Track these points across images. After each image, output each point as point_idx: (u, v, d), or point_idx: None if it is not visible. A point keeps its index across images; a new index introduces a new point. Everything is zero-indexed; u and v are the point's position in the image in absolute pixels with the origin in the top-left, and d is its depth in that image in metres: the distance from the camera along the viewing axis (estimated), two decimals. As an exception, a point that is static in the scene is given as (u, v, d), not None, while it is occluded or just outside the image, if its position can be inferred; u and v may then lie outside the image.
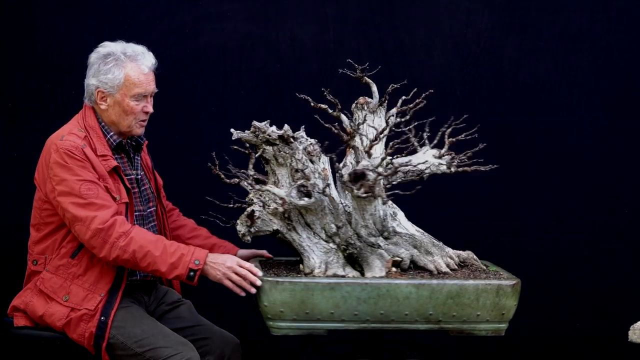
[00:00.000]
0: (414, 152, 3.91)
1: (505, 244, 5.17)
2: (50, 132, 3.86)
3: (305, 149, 3.69)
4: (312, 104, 3.69)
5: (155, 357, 3.69)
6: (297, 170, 3.67)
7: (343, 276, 3.66)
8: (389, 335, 3.83)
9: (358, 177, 3.62)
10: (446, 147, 3.86)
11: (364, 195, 3.59)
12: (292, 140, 3.68)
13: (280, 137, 3.67)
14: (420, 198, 5.00)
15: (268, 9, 5.10)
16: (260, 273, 3.64)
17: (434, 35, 5.12)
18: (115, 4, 5.06)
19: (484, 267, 3.84)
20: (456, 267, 3.79)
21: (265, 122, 3.69)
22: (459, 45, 5.12)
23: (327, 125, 3.62)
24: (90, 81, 3.85)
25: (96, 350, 3.74)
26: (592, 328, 5.18)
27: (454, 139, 3.84)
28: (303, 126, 3.75)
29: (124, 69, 3.80)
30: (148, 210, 3.93)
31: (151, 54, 3.89)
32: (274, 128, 3.68)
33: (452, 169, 3.83)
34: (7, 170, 5.06)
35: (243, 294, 3.68)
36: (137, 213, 3.87)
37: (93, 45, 3.96)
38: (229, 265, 3.69)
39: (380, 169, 3.65)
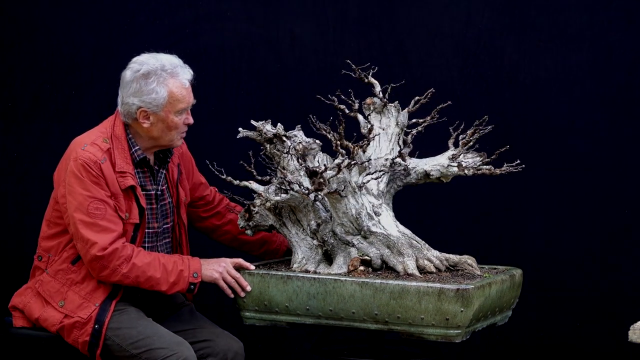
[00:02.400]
0: (444, 151, 3.91)
1: (505, 244, 5.16)
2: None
3: (294, 147, 3.73)
4: (334, 105, 3.74)
5: (152, 359, 3.69)
6: (283, 168, 3.72)
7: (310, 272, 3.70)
8: (389, 335, 3.83)
9: (312, 174, 3.64)
10: (460, 148, 3.86)
11: (307, 192, 3.61)
12: (284, 138, 3.71)
13: (275, 135, 3.72)
14: (420, 198, 5.02)
15: (268, 9, 5.10)
16: (247, 286, 3.75)
17: (434, 35, 5.11)
18: (115, 4, 5.06)
19: (477, 273, 3.76)
20: (434, 269, 3.73)
21: (263, 121, 3.74)
22: (459, 45, 5.12)
23: (318, 125, 3.64)
24: (131, 100, 3.76)
25: (91, 355, 3.74)
26: (592, 328, 5.17)
27: (466, 140, 3.84)
28: (299, 125, 3.77)
29: (166, 87, 3.75)
30: (164, 227, 3.92)
31: (185, 64, 3.85)
32: (269, 127, 3.72)
33: (467, 172, 3.83)
34: (7, 170, 5.06)
35: (232, 295, 3.75)
36: (149, 231, 3.86)
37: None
38: (224, 265, 3.76)
39: (331, 170, 3.64)
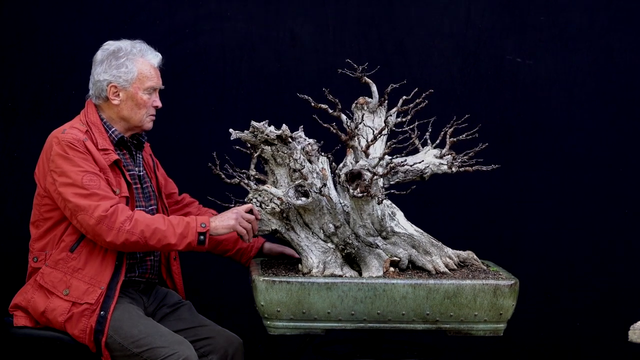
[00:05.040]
0: (415, 152, 3.92)
1: (505, 244, 5.17)
2: (50, 132, 3.87)
3: (303, 148, 3.69)
4: (312, 104, 3.69)
5: (153, 358, 3.70)
6: (295, 170, 3.68)
7: (340, 276, 3.66)
8: (389, 335, 3.83)
9: (354, 176, 3.63)
10: (447, 147, 3.87)
11: (360, 195, 3.59)
12: (290, 140, 3.68)
13: (279, 137, 3.67)
14: (420, 198, 5.02)
15: (268, 9, 5.10)
16: (258, 216, 3.74)
17: (434, 35, 5.12)
18: (115, 4, 5.06)
19: (484, 267, 3.83)
20: (455, 267, 3.79)
21: (264, 122, 3.70)
22: (459, 45, 5.12)
23: (325, 125, 3.62)
24: (102, 77, 3.88)
25: (96, 345, 3.74)
26: (592, 328, 5.18)
27: (455, 139, 3.85)
28: (301, 126, 3.75)
29: (136, 63, 3.87)
30: (150, 208, 3.95)
31: (155, 51, 3.98)
32: (272, 128, 3.68)
33: (453, 169, 3.84)
34: (7, 170, 5.06)
35: (247, 239, 3.75)
36: (139, 209, 3.88)
37: (93, 45, 3.97)
38: (236, 212, 3.75)
39: (379, 169, 3.65)
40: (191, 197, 4.25)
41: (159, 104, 3.93)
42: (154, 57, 3.93)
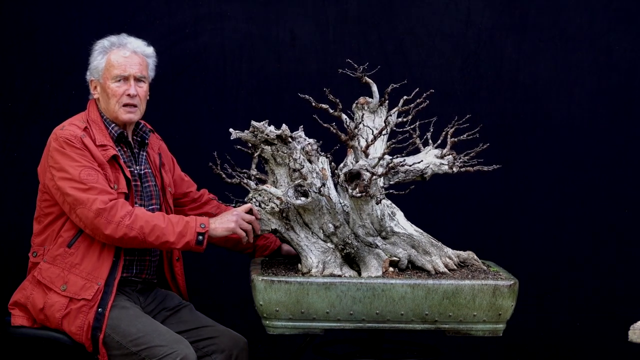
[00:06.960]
0: (417, 152, 3.92)
1: (505, 244, 5.17)
2: (50, 132, 3.87)
3: (303, 148, 3.69)
4: (313, 104, 3.69)
5: (151, 356, 3.69)
6: (294, 170, 3.68)
7: (339, 276, 3.66)
8: (388, 335, 3.83)
9: (353, 176, 3.63)
10: (448, 147, 3.87)
11: (359, 195, 3.60)
12: (290, 140, 3.69)
13: (279, 136, 3.68)
14: (420, 198, 5.02)
15: (268, 9, 5.10)
16: (258, 215, 3.75)
17: (434, 35, 5.12)
18: (115, 4, 5.06)
19: (484, 268, 3.82)
20: (455, 267, 3.78)
21: (264, 122, 3.70)
22: (459, 45, 5.12)
23: (325, 125, 3.62)
24: (87, 74, 3.96)
25: (93, 342, 3.74)
26: (592, 328, 5.18)
27: (456, 139, 3.85)
28: (301, 126, 3.75)
29: (106, 55, 3.90)
30: (150, 207, 3.93)
31: (142, 41, 3.96)
32: (272, 128, 3.68)
33: (454, 169, 3.84)
34: (7, 170, 5.06)
35: (246, 239, 3.76)
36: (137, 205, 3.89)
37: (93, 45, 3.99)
38: (236, 214, 3.76)
39: (379, 169, 3.65)
40: (210, 194, 4.22)
41: (131, 92, 3.88)
42: (130, 46, 3.91)
